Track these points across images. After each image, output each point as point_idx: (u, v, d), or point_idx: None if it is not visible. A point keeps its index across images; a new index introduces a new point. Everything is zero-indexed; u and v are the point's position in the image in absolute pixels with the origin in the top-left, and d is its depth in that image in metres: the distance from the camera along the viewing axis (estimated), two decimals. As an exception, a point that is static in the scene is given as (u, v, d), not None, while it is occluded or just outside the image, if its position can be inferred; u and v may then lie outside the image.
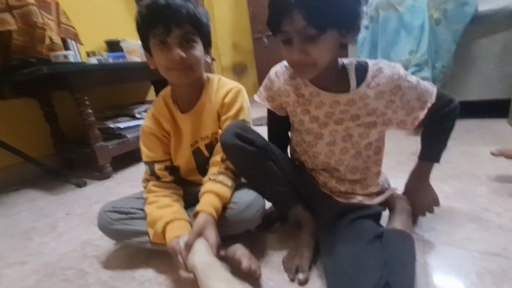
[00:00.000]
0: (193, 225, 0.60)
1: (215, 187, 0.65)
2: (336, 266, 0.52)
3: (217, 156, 0.70)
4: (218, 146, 0.71)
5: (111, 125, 1.47)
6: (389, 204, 0.70)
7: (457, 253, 0.61)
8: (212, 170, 0.70)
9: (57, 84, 1.32)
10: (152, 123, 0.75)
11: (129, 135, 1.50)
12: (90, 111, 1.32)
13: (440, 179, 0.94)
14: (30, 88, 1.44)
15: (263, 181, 0.67)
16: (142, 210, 0.71)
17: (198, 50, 0.66)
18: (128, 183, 1.33)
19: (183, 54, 0.62)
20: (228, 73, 3.33)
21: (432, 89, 0.59)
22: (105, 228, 0.70)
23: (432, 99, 0.58)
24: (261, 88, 0.69)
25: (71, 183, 1.39)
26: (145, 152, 0.76)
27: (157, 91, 2.17)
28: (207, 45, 0.70)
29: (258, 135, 0.65)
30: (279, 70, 0.65)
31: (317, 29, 0.47)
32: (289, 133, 0.76)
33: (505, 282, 0.52)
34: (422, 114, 0.58)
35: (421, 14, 1.45)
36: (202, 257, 0.54)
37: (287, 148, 0.78)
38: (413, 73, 1.42)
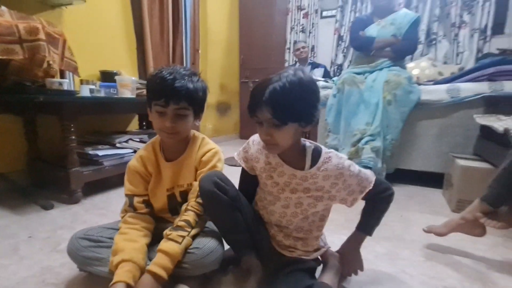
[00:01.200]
0: (138, 283, 0.69)
1: (167, 246, 0.73)
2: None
3: (186, 204, 0.83)
4: (191, 192, 0.84)
5: (90, 152, 1.54)
6: (323, 259, 0.83)
7: (371, 307, 0.75)
8: (176, 220, 0.80)
9: (48, 109, 1.41)
10: (139, 164, 0.88)
11: (106, 163, 1.57)
12: (73, 137, 1.40)
13: (375, 240, 1.10)
14: (19, 108, 1.51)
15: (227, 226, 0.78)
16: (111, 239, 0.79)
17: (188, 120, 0.82)
18: (96, 211, 1.37)
19: (173, 125, 0.78)
20: (212, 111, 3.53)
21: (371, 178, 0.74)
22: (74, 253, 0.76)
23: (370, 186, 0.73)
24: (241, 149, 0.85)
25: (37, 204, 1.40)
26: (127, 187, 0.88)
27: (140, 122, 2.28)
28: (199, 112, 0.86)
29: (233, 186, 0.78)
30: (256, 139, 0.81)
31: (279, 122, 0.63)
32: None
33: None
34: (360, 197, 0.74)
35: (377, 94, 1.75)
36: None
37: (253, 199, 0.92)
38: (367, 142, 1.68)
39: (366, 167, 1.57)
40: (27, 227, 1.18)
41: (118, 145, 1.67)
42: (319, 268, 0.84)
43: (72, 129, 1.39)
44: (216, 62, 3.49)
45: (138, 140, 1.81)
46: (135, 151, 1.73)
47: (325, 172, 0.72)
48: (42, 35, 1.23)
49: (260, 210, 0.86)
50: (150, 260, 0.76)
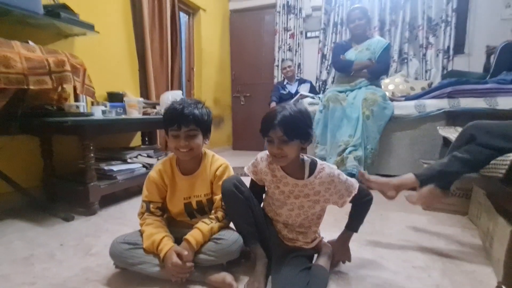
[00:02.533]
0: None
1: (199, 224, 0.97)
2: (279, 284, 0.84)
3: (213, 212, 1.04)
4: (215, 202, 1.05)
5: (105, 167, 1.70)
6: (318, 248, 1.04)
7: (357, 284, 0.96)
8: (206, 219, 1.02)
9: (68, 130, 1.56)
10: (157, 176, 1.06)
11: (119, 177, 1.73)
12: (92, 155, 1.56)
13: (360, 234, 1.32)
14: (38, 129, 1.65)
15: (241, 220, 0.98)
16: None
17: (198, 139, 1.01)
18: (114, 220, 1.52)
19: (187, 143, 0.98)
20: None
21: (355, 185, 0.96)
22: (116, 255, 0.94)
23: (355, 191, 0.95)
24: (250, 164, 1.05)
25: (58, 217, 1.54)
26: (145, 194, 1.05)
27: (143, 138, 2.45)
28: (206, 133, 1.06)
29: (247, 188, 1.00)
30: (264, 156, 1.02)
31: (288, 138, 0.85)
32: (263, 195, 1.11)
33: (377, 300, 0.87)
34: (348, 200, 0.96)
35: (357, 109, 2.02)
36: None
37: (261, 202, 1.12)
38: (351, 151, 1.93)
39: (351, 173, 1.81)
40: (55, 237, 1.32)
41: (129, 160, 1.83)
42: (315, 256, 1.05)
43: (92, 147, 1.55)
44: (210, 79, 3.72)
45: (145, 155, 1.98)
46: (144, 165, 1.90)
47: (320, 179, 0.94)
48: (68, 67, 1.41)
49: (269, 212, 1.06)
50: None
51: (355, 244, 1.22)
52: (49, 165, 1.76)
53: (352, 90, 2.18)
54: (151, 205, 1.04)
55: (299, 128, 0.86)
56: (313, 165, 0.96)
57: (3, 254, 1.16)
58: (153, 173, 1.06)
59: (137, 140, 2.50)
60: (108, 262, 1.02)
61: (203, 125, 1.01)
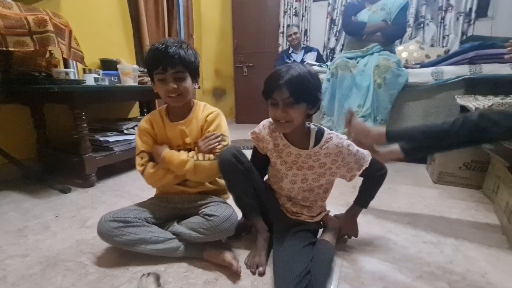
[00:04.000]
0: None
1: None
2: (281, 259, 0.78)
3: None
4: None
5: (101, 138, 1.62)
6: (324, 222, 0.98)
7: (364, 259, 0.90)
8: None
9: (57, 98, 1.47)
10: (148, 125, 0.98)
11: (116, 149, 1.66)
12: (85, 125, 1.47)
13: (366, 209, 1.26)
14: (26, 97, 1.56)
15: (240, 192, 0.91)
16: (139, 219, 0.90)
17: (187, 82, 0.92)
18: (112, 193, 1.48)
19: (175, 86, 0.89)
20: (208, 96, 3.58)
21: (368, 158, 0.86)
22: (105, 234, 0.87)
23: (366, 164, 0.85)
24: (253, 131, 0.96)
25: (54, 189, 1.49)
26: (140, 144, 0.97)
27: (141, 109, 2.35)
28: (195, 77, 0.96)
29: (248, 159, 0.91)
30: (266, 124, 0.92)
31: (294, 100, 0.75)
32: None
33: (385, 278, 0.81)
34: (358, 174, 0.86)
35: (368, 78, 1.87)
36: None
37: (264, 175, 1.04)
38: (359, 122, 1.81)
39: None
40: (51, 208, 1.29)
41: (125, 131, 1.75)
42: (320, 231, 0.99)
43: (83, 117, 1.46)
44: (210, 48, 3.51)
45: (143, 126, 1.89)
46: (141, 137, 1.82)
47: (326, 150, 0.84)
48: (50, 27, 1.27)
49: (272, 185, 0.99)
50: (173, 234, 0.91)
51: (362, 218, 1.15)
52: (43, 136, 1.69)
53: (363, 57, 2.00)
54: (149, 156, 0.97)
55: (307, 90, 0.76)
56: (320, 134, 0.86)
57: (-3, 225, 1.13)
58: (142, 123, 0.99)
59: (135, 111, 2.40)
60: (103, 234, 0.97)
61: (190, 66, 0.91)
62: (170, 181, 0.95)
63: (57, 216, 1.21)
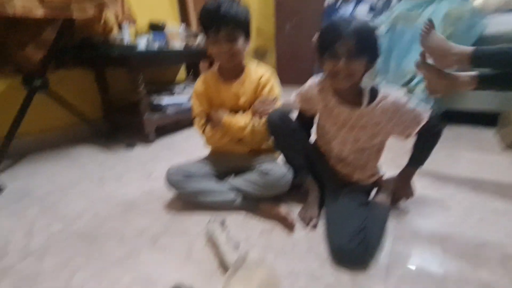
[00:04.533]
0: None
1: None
2: (335, 216, 0.80)
3: None
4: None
5: (155, 100, 1.73)
6: (377, 184, 0.96)
7: (421, 222, 0.89)
8: None
9: (117, 63, 1.57)
10: (202, 86, 1.02)
11: (169, 110, 1.77)
12: (142, 88, 1.58)
13: (423, 173, 1.20)
14: (90, 62, 1.69)
15: (289, 152, 0.94)
16: (200, 172, 0.99)
17: (240, 42, 0.90)
18: (168, 150, 1.62)
19: (228, 46, 0.88)
20: (249, 57, 3.51)
21: (425, 114, 0.80)
22: (172, 184, 0.97)
23: (424, 121, 0.80)
24: (298, 92, 0.94)
25: (123, 143, 1.67)
26: (197, 106, 1.02)
27: (188, 71, 2.41)
28: (247, 35, 0.94)
29: (294, 121, 0.92)
30: (313, 83, 0.89)
31: (358, 51, 0.72)
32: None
33: (443, 242, 0.80)
34: (413, 132, 0.81)
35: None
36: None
37: (308, 137, 1.04)
38: (419, 82, 1.64)
39: None
40: (120, 161, 1.46)
41: (176, 94, 1.83)
42: (373, 192, 0.98)
43: (140, 80, 1.56)
44: (251, 6, 3.33)
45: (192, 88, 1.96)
46: (190, 99, 1.90)
47: (382, 108, 0.79)
48: (105, -9, 1.31)
49: (321, 147, 0.98)
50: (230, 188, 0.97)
51: (418, 183, 1.10)
52: (107, 98, 1.86)
53: (429, 4, 1.73)
54: (206, 117, 1.02)
55: (371, 41, 0.73)
56: (374, 91, 0.81)
57: (81, 174, 1.33)
58: (198, 85, 1.03)
59: (181, 75, 2.47)
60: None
61: (242, 25, 0.90)
62: (227, 142, 1.01)
63: (127, 168, 1.37)
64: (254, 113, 0.96)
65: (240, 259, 0.41)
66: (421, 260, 0.74)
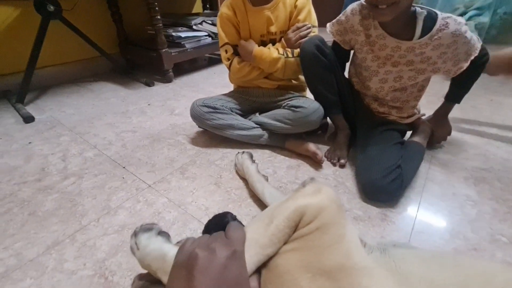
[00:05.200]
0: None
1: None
2: (368, 153, 0.77)
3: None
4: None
5: (173, 34, 1.62)
6: (414, 125, 0.90)
7: (455, 164, 0.85)
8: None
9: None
10: (229, 11, 0.89)
11: (188, 45, 1.66)
12: (159, 17, 1.45)
13: (460, 122, 1.12)
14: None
15: (321, 87, 0.86)
16: (225, 107, 0.95)
17: None
18: (189, 88, 1.57)
19: None
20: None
21: (478, 45, 0.70)
22: (198, 117, 0.94)
23: (476, 53, 0.70)
24: (335, 21, 0.82)
25: (140, 82, 1.64)
26: (224, 36, 0.92)
27: (204, 4, 2.19)
28: None
29: (331, 52, 0.83)
30: (356, 9, 0.76)
31: None
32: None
33: (478, 185, 0.77)
34: (465, 65, 0.71)
35: None
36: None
37: (343, 72, 0.95)
38: (472, 17, 1.43)
39: None
40: (142, 97, 1.44)
41: (194, 27, 1.70)
42: (409, 133, 0.93)
43: (157, 8, 1.43)
44: None
45: (210, 22, 1.81)
46: (209, 35, 1.76)
47: (437, 41, 0.68)
48: None
49: (356, 84, 0.90)
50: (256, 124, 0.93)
51: (455, 128, 1.04)
52: (122, 31, 1.75)
53: None
54: (233, 49, 0.93)
55: None
56: (431, 20, 0.68)
57: (106, 107, 1.33)
58: (224, 10, 0.91)
59: (198, 7, 2.27)
60: (191, 121, 1.06)
61: None
62: (255, 77, 0.94)
63: (149, 104, 1.36)
64: (287, 42, 0.87)
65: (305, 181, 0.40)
66: (452, 201, 0.72)
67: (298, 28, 0.86)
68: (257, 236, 0.34)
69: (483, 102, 1.28)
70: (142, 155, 0.94)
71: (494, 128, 1.06)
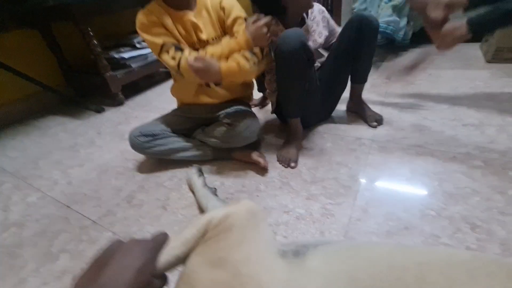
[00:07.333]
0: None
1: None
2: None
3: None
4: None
5: (115, 55, 1.58)
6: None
7: (392, 146, 0.88)
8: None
9: (59, 15, 1.37)
10: (149, 16, 0.77)
11: (133, 65, 1.62)
12: (95, 42, 1.41)
13: (400, 96, 1.17)
14: (30, 18, 1.48)
15: (293, 87, 0.82)
16: (165, 131, 0.92)
17: None
18: (141, 108, 1.54)
19: None
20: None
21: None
22: (137, 148, 0.90)
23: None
24: None
25: (90, 110, 1.59)
26: (155, 39, 0.77)
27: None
28: None
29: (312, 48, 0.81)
30: None
31: None
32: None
33: (413, 162, 0.80)
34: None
35: None
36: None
37: None
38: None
39: (384, 33, 1.45)
40: (92, 126, 1.40)
41: (137, 45, 1.66)
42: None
43: (91, 33, 1.39)
44: None
45: (154, 37, 1.77)
46: (155, 50, 1.73)
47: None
48: None
49: None
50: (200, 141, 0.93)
51: (393, 106, 1.09)
52: (63, 60, 1.68)
53: None
54: (175, 44, 0.78)
55: None
56: None
57: (53, 144, 1.28)
58: (141, 18, 0.78)
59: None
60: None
61: None
62: (205, 82, 0.86)
63: (99, 133, 1.32)
64: (246, 44, 0.76)
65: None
66: (388, 183, 0.75)
67: (258, 26, 0.74)
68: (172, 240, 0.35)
69: (422, 77, 1.34)
70: (88, 189, 0.91)
71: (430, 102, 1.11)
